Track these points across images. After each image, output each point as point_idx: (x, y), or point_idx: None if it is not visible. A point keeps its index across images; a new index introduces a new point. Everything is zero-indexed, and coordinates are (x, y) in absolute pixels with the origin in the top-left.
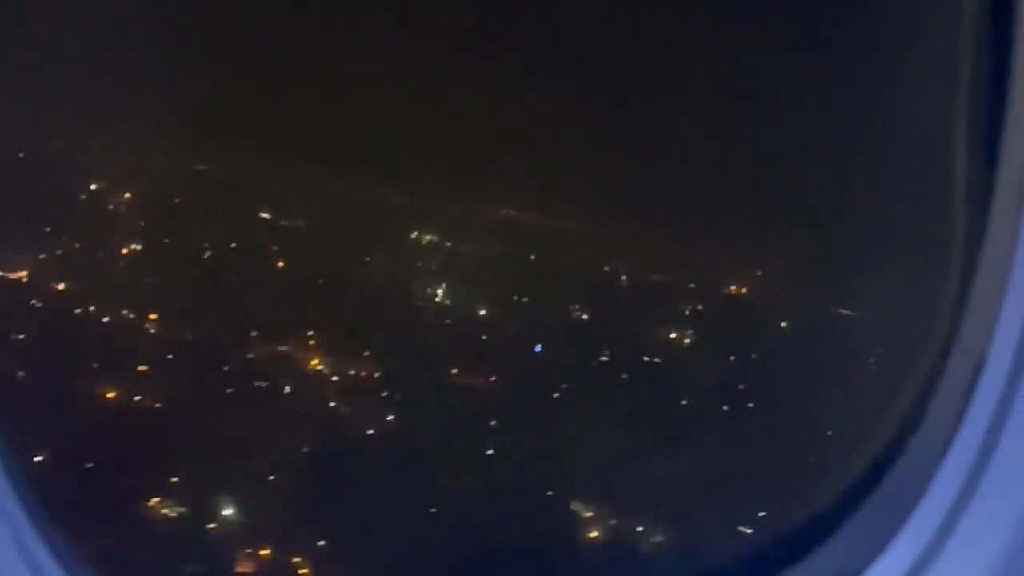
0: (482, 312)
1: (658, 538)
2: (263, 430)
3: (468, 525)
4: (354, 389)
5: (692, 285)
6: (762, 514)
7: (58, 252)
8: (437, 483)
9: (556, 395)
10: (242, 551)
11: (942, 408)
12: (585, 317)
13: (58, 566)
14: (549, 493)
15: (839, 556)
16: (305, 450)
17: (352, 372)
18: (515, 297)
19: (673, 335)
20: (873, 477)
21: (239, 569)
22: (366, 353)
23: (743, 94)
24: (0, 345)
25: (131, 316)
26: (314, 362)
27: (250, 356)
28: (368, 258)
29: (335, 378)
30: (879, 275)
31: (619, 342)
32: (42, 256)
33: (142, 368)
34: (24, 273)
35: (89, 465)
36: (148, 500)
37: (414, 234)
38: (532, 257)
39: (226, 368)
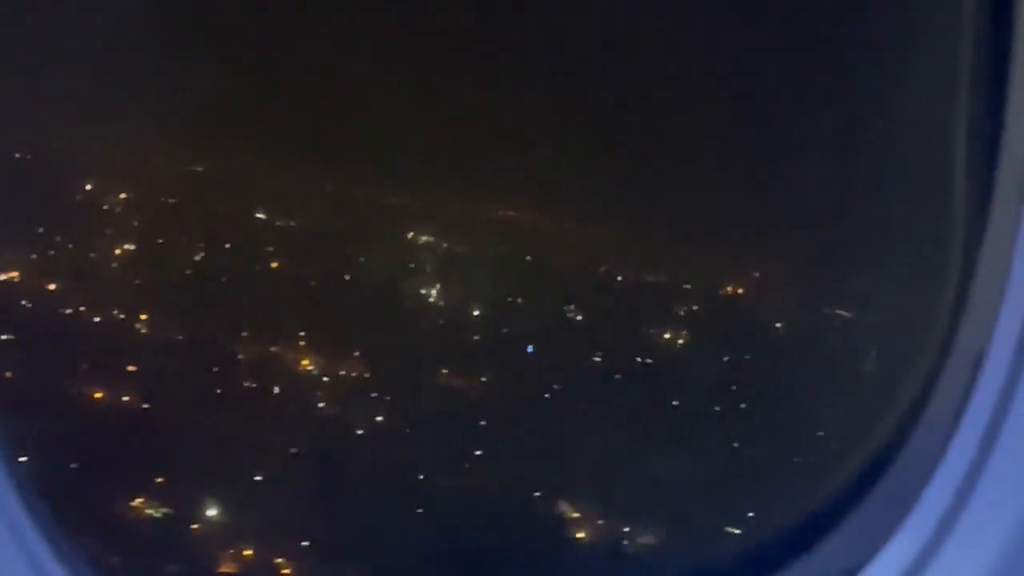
0: (475, 312)
1: (656, 538)
2: (251, 431)
3: (456, 526)
4: (344, 390)
5: (688, 285)
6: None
7: (51, 252)
8: (424, 484)
9: (547, 396)
10: (229, 551)
11: (941, 407)
12: (579, 318)
13: (60, 566)
14: (538, 494)
15: (838, 554)
16: (293, 451)
17: (342, 373)
18: (509, 298)
19: (668, 335)
20: (872, 476)
21: (226, 570)
22: (356, 354)
23: (742, 94)
24: None
25: (121, 316)
26: (304, 362)
27: (240, 356)
28: (362, 258)
29: (325, 379)
30: (879, 275)
31: (613, 343)
32: (33, 256)
33: (131, 368)
34: (15, 273)
35: (74, 465)
36: (134, 500)
37: (410, 234)
38: (528, 258)
39: (215, 368)
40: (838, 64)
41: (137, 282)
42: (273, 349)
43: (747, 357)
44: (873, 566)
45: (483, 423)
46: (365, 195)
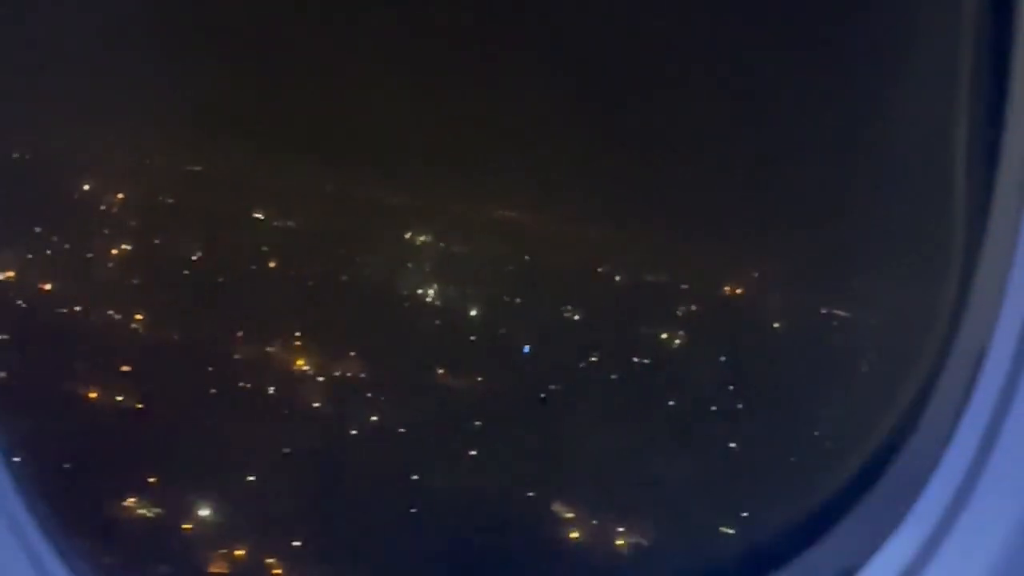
0: (472, 313)
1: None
2: (245, 431)
3: (450, 527)
4: (338, 390)
5: (686, 286)
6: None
7: (47, 252)
8: (419, 484)
9: (542, 395)
10: (224, 551)
11: (941, 407)
12: (577, 318)
13: (62, 565)
14: (534, 494)
15: (836, 554)
16: (286, 451)
17: (337, 373)
18: (507, 298)
19: (665, 335)
20: (872, 476)
21: (220, 570)
22: (352, 353)
23: (742, 94)
24: None
25: (117, 317)
26: (299, 362)
27: (235, 356)
28: (359, 259)
29: (320, 379)
30: (879, 275)
31: (611, 343)
32: (30, 256)
33: (125, 368)
34: (11, 273)
35: (67, 465)
36: (128, 500)
37: (408, 234)
38: (527, 258)
39: (210, 369)
40: (838, 64)
41: (134, 282)
42: (269, 349)
43: (750, 357)
44: (872, 565)
45: (478, 423)
46: (363, 195)
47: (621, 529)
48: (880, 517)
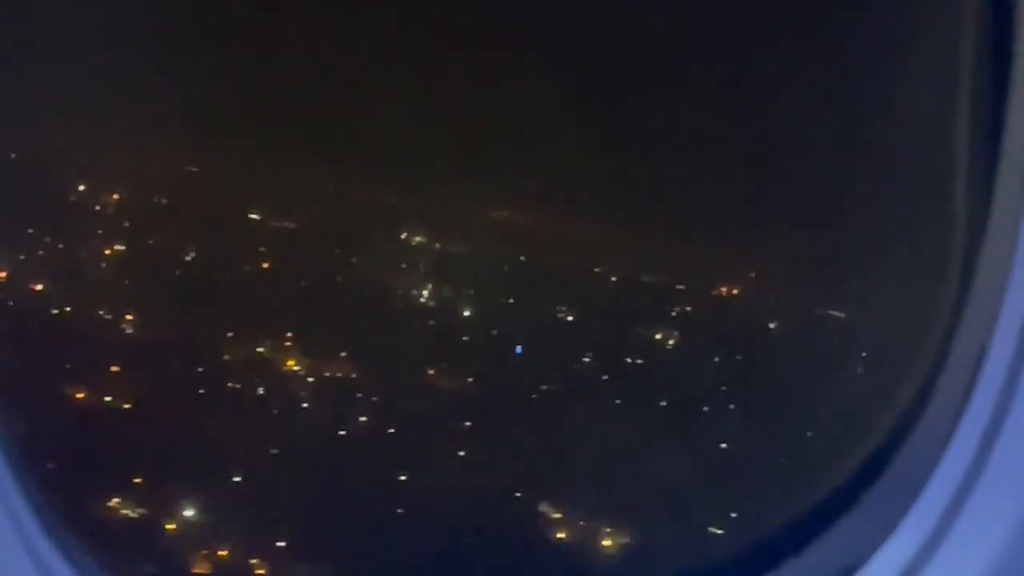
0: (466, 313)
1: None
2: (234, 432)
3: (438, 527)
4: (328, 390)
5: (682, 286)
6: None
7: (39, 252)
8: (408, 484)
9: (535, 396)
10: (214, 552)
11: (941, 407)
12: (571, 319)
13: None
14: (527, 495)
15: (836, 553)
16: (274, 451)
17: (327, 374)
18: (501, 299)
19: (660, 336)
20: (872, 475)
21: (209, 571)
22: (343, 354)
23: (741, 93)
24: None
25: (108, 317)
26: (290, 363)
27: (226, 357)
28: (354, 259)
29: (310, 379)
30: (878, 276)
31: (605, 343)
32: (22, 256)
33: (114, 369)
34: (3, 274)
35: (51, 466)
36: (115, 500)
37: (403, 235)
38: (522, 258)
39: (200, 369)
40: (838, 64)
41: (126, 282)
42: (260, 350)
43: (748, 357)
44: (872, 565)
45: (468, 424)
46: (358, 196)
47: (616, 530)
48: (880, 516)
